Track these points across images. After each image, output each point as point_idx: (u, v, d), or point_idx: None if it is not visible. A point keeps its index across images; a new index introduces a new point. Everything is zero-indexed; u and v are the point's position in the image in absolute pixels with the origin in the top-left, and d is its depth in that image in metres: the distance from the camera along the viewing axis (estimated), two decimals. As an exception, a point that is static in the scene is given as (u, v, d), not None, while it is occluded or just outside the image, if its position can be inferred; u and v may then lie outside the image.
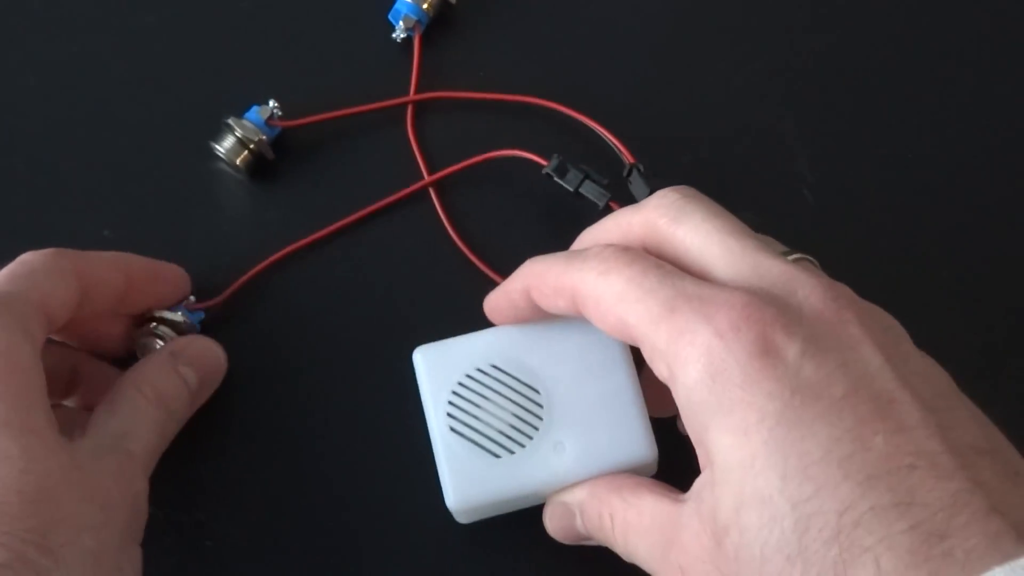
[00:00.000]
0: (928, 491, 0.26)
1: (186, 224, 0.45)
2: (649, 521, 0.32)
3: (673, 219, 0.33)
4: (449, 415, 0.37)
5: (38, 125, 0.47)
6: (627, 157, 0.44)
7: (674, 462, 0.35)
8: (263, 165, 0.45)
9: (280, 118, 0.45)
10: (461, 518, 0.37)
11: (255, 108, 0.45)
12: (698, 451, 0.30)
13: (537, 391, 0.37)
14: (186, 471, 0.41)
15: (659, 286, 0.30)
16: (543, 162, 0.43)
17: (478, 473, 0.36)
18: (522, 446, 0.36)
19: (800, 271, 0.30)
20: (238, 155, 0.44)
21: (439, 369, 0.37)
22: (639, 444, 0.36)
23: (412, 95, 0.46)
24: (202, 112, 0.46)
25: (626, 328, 0.31)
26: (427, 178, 0.45)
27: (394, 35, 0.48)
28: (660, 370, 0.31)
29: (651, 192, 0.41)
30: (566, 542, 0.37)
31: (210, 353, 0.41)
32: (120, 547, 0.34)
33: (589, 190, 0.42)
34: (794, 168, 0.46)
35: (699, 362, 0.29)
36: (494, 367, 0.37)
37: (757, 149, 0.46)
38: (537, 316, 0.36)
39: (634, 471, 0.36)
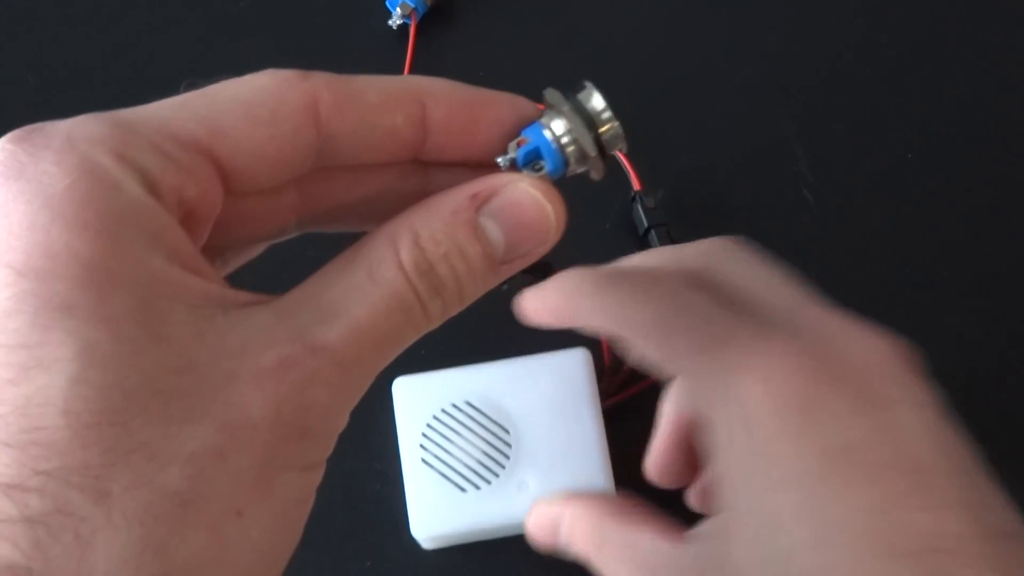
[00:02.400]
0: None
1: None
2: (642, 557, 0.30)
3: (724, 260, 0.31)
4: (422, 446, 0.38)
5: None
6: (634, 183, 0.44)
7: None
8: None
9: None
10: (425, 544, 0.39)
11: None
12: (716, 494, 0.28)
13: (507, 431, 0.38)
14: None
15: (705, 319, 0.28)
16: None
17: (443, 505, 0.38)
18: (488, 482, 0.38)
19: (851, 323, 0.28)
20: None
21: (416, 401, 0.39)
22: (599, 490, 0.38)
23: None
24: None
25: (666, 356, 0.29)
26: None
27: (390, 21, 0.48)
28: (697, 405, 0.29)
29: (647, 225, 0.43)
30: (540, 546, 0.35)
31: (535, 206, 0.25)
32: (247, 486, 0.21)
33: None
34: (794, 168, 0.46)
35: (738, 405, 0.27)
36: (468, 404, 0.39)
37: (757, 150, 0.47)
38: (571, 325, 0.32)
39: (593, 516, 0.38)
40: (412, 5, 0.47)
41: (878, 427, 0.26)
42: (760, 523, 0.26)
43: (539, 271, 0.39)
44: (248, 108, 0.22)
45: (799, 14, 0.49)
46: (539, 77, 0.45)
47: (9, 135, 0.22)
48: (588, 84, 0.25)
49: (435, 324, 0.24)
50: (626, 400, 0.41)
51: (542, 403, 0.39)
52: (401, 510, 0.38)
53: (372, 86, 0.24)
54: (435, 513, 0.38)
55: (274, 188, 0.24)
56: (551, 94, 0.25)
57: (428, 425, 0.39)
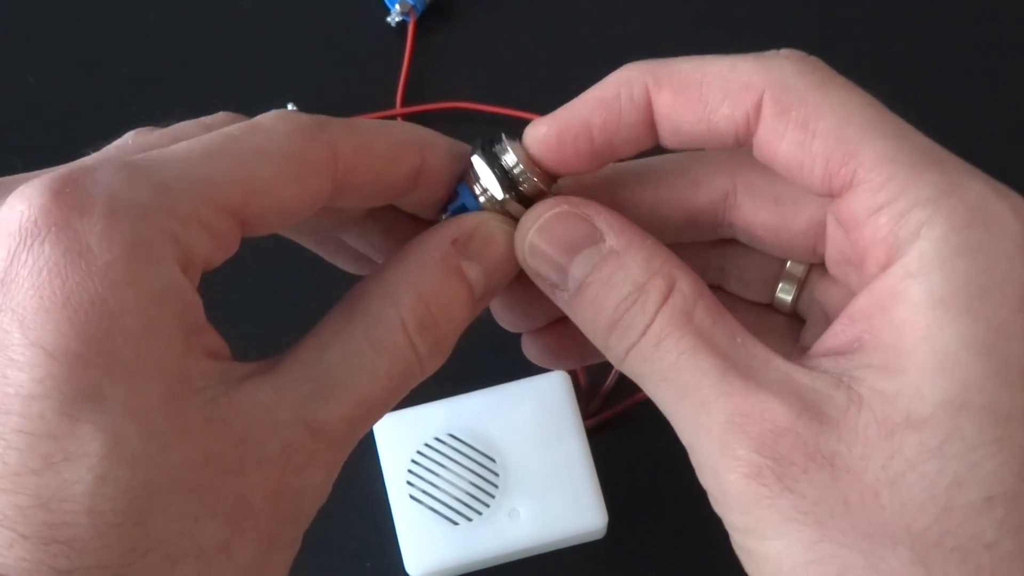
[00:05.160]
0: None
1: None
2: (728, 341, 0.23)
3: (816, 84, 0.24)
4: (409, 483, 0.38)
5: (39, 123, 0.47)
6: None
7: (624, 524, 0.37)
8: None
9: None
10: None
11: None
12: (863, 323, 0.22)
13: (493, 459, 0.38)
14: None
15: (906, 125, 0.23)
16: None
17: (436, 540, 0.37)
18: (479, 513, 0.38)
19: (997, 191, 0.24)
20: None
21: (398, 438, 0.39)
22: (590, 510, 0.38)
23: (399, 108, 0.47)
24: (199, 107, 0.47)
25: (848, 162, 0.23)
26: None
27: (389, 19, 0.48)
28: (893, 223, 0.22)
29: None
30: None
31: (508, 241, 0.25)
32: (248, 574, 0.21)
33: None
34: None
35: (975, 225, 0.22)
36: (452, 436, 0.39)
37: None
38: (636, 147, 0.25)
39: (585, 535, 0.38)
40: (411, 2, 0.47)
41: None
42: (966, 364, 0.21)
43: None
44: (277, 165, 0.22)
45: (797, 12, 0.49)
46: (538, 74, 0.47)
47: (37, 185, 0.20)
48: (504, 138, 0.25)
49: (428, 375, 0.24)
50: (608, 419, 0.41)
51: (525, 429, 0.39)
52: (393, 549, 0.38)
53: (382, 138, 0.24)
54: (428, 549, 0.37)
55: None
56: (473, 151, 0.26)
57: (413, 461, 0.38)
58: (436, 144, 0.25)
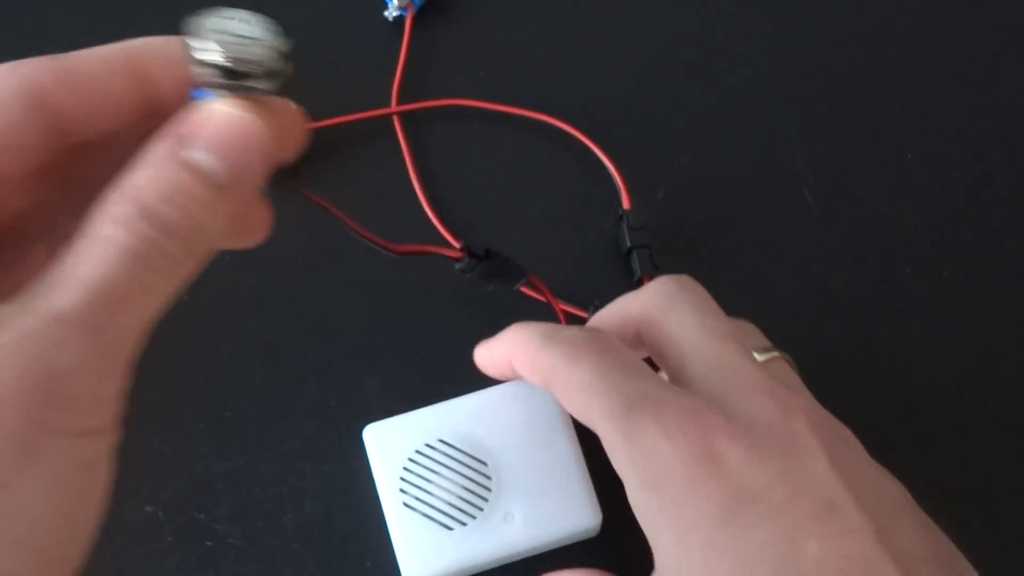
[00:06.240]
0: None
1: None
2: None
3: (663, 309, 0.34)
4: (401, 491, 0.38)
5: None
6: (624, 201, 0.44)
7: (619, 523, 0.37)
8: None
9: None
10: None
11: None
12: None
13: (485, 463, 0.38)
14: (186, 471, 0.41)
15: (622, 382, 0.31)
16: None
17: (431, 546, 0.37)
18: (473, 517, 0.38)
19: (764, 378, 0.31)
20: None
21: (389, 446, 0.39)
22: (585, 510, 0.38)
23: (394, 106, 0.46)
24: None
25: (588, 418, 0.32)
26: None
27: (386, 13, 0.48)
28: (616, 465, 0.31)
29: (630, 245, 0.43)
30: None
31: (238, 123, 0.25)
32: (9, 458, 0.21)
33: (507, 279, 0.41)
34: (794, 168, 0.46)
35: (647, 462, 0.29)
36: (442, 442, 0.39)
37: (757, 150, 0.47)
38: (514, 375, 0.37)
39: (580, 535, 0.38)
40: None
41: (780, 472, 0.29)
42: (679, 569, 0.29)
43: (514, 275, 0.39)
44: None
45: (799, 14, 0.49)
46: (537, 70, 0.47)
47: None
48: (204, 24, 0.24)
49: (190, 263, 0.24)
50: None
51: (517, 431, 0.39)
52: (387, 559, 0.38)
53: (87, 57, 0.25)
54: (424, 556, 0.37)
55: (22, 181, 0.24)
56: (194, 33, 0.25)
57: (405, 468, 0.38)
58: (153, 49, 0.26)
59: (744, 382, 0.31)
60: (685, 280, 0.35)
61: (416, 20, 0.48)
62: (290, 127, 0.26)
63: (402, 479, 0.38)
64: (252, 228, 0.27)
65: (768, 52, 0.48)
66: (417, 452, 0.38)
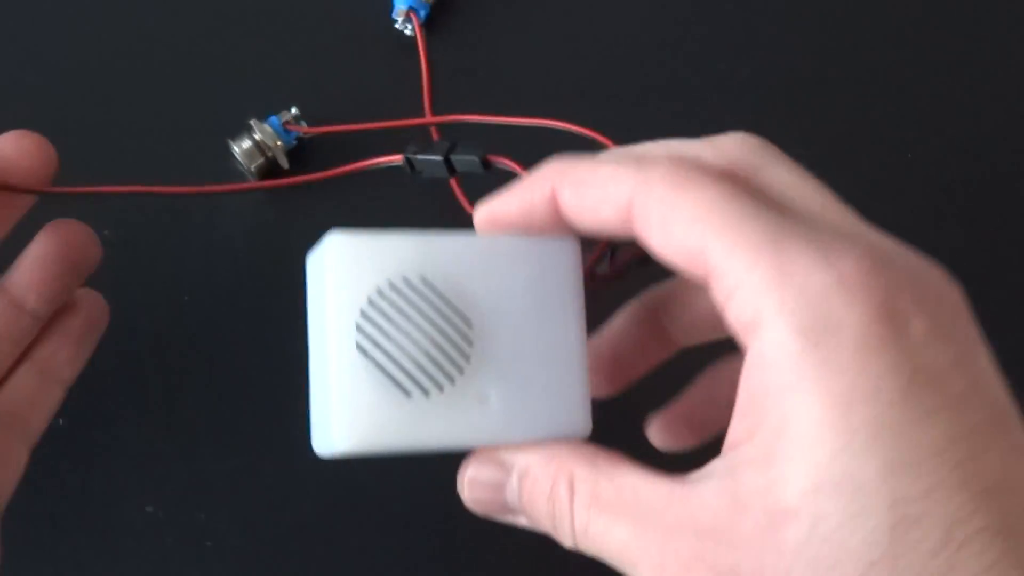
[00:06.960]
0: None
1: (189, 228, 0.44)
2: (633, 498, 0.26)
3: (761, 159, 0.28)
4: (359, 327, 0.29)
5: (37, 126, 0.40)
6: None
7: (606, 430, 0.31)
8: (276, 172, 0.46)
9: (301, 125, 0.46)
10: (335, 453, 0.30)
11: (274, 117, 0.46)
12: (747, 417, 0.25)
13: (469, 323, 0.30)
14: (186, 471, 0.41)
15: (758, 212, 0.25)
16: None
17: (381, 410, 0.28)
18: (439, 388, 0.29)
19: (915, 253, 0.26)
20: (253, 160, 0.46)
21: (356, 268, 0.29)
22: (575, 417, 0.30)
23: (428, 117, 0.47)
24: (212, 113, 0.46)
25: (701, 255, 0.25)
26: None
27: (397, 25, 0.49)
28: (740, 311, 0.25)
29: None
30: (479, 512, 0.30)
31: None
32: None
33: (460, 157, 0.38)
34: None
35: (808, 310, 0.24)
36: (425, 281, 0.29)
37: None
38: (553, 230, 0.30)
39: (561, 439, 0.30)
40: (405, 7, 0.48)
41: (958, 357, 0.24)
42: (827, 447, 0.23)
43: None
44: None
45: (799, 14, 0.49)
46: (548, 75, 0.46)
47: None
48: None
49: None
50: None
51: (517, 297, 0.30)
52: (294, 406, 0.29)
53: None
54: (368, 417, 0.28)
55: None
56: None
57: (370, 301, 0.29)
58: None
59: (897, 247, 0.26)
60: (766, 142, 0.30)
61: (429, 28, 0.49)
62: None
63: (363, 313, 0.29)
64: None
65: (768, 53, 0.49)
66: (391, 284, 0.29)
